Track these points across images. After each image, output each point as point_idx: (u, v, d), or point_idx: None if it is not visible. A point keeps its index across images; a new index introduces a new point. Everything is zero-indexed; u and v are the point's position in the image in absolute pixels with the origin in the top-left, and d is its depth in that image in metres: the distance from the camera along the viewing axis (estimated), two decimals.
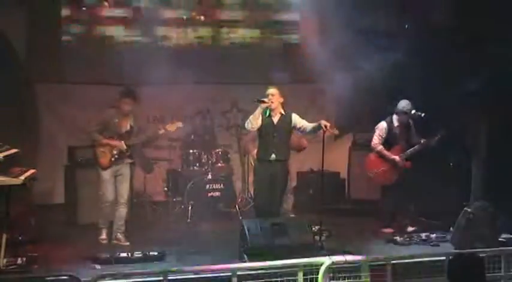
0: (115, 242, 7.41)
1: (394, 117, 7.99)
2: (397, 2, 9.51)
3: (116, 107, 7.43)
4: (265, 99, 7.15)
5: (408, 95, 8.09)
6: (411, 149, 7.93)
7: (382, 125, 8.00)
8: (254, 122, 7.13)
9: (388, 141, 7.97)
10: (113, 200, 7.41)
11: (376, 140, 7.99)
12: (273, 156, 7.16)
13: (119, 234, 7.48)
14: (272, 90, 7.24)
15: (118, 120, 7.37)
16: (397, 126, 7.97)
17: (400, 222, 8.04)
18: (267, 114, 7.20)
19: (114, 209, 7.46)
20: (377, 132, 8.01)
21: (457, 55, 8.52)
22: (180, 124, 7.59)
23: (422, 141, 7.92)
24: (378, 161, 7.99)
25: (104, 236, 7.47)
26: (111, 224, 7.53)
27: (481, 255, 5.44)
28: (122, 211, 7.51)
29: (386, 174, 7.95)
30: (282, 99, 7.26)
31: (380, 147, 7.95)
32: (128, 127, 7.44)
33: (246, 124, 7.25)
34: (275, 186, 7.21)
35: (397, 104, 8.00)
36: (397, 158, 7.90)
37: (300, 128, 7.29)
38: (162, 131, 7.50)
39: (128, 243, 7.36)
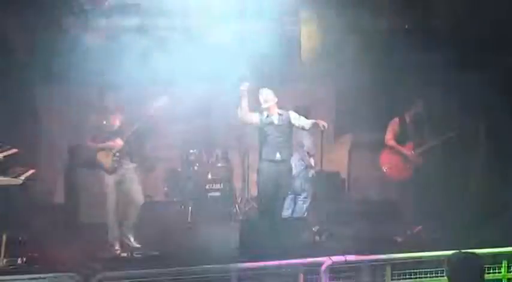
0: (129, 247, 7.23)
1: (407, 114, 7.97)
2: (399, 2, 9.51)
3: (100, 109, 7.29)
4: (261, 101, 7.14)
5: (409, 95, 8.07)
6: (424, 146, 7.88)
7: (395, 120, 8.01)
8: (243, 108, 7.04)
9: (401, 137, 7.94)
10: (117, 207, 7.23)
11: (389, 135, 7.96)
12: (278, 155, 7.15)
13: (129, 236, 7.32)
14: (263, 91, 7.27)
15: (106, 121, 7.23)
16: (410, 122, 7.96)
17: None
18: (266, 115, 7.19)
19: (124, 213, 7.28)
20: (390, 127, 8.01)
21: (458, 55, 8.52)
22: (165, 98, 7.31)
23: (435, 139, 7.87)
24: (391, 156, 7.94)
25: (117, 247, 7.24)
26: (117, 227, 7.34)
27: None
28: (134, 212, 7.32)
29: (400, 170, 7.89)
30: (276, 99, 7.26)
31: (392, 142, 7.92)
32: (119, 123, 7.28)
33: (239, 117, 7.17)
34: (280, 186, 7.20)
35: (412, 102, 7.98)
36: (409, 152, 7.84)
37: (298, 125, 7.30)
38: (151, 111, 7.23)
39: (139, 246, 7.16)
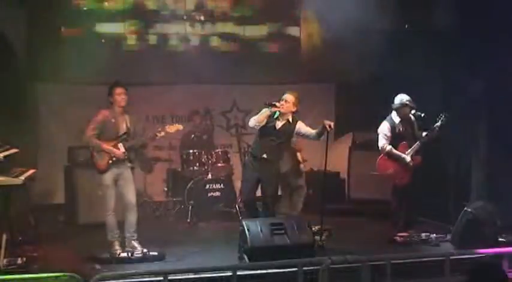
0: (130, 249, 7.02)
1: (394, 113, 7.84)
2: (398, 2, 9.51)
3: (111, 105, 7.12)
4: (277, 104, 7.09)
5: (409, 94, 8.03)
6: (417, 144, 7.77)
7: (384, 124, 7.84)
8: (258, 121, 7.07)
9: (394, 140, 7.82)
10: (116, 207, 7.09)
11: (382, 141, 7.77)
12: (265, 155, 7.16)
13: (133, 241, 7.13)
14: (287, 96, 7.17)
15: (114, 120, 7.09)
16: (399, 122, 7.84)
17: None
18: (275, 116, 7.15)
19: (123, 215, 7.12)
20: (381, 134, 7.81)
21: (457, 54, 8.53)
22: (180, 127, 7.32)
23: (425, 133, 7.75)
24: (388, 162, 7.77)
25: (117, 246, 7.08)
26: (121, 230, 7.20)
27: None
28: (133, 216, 7.14)
29: (400, 174, 7.77)
30: (294, 109, 7.18)
31: (389, 148, 7.72)
32: (125, 128, 7.14)
33: (249, 121, 7.19)
34: (264, 185, 7.19)
35: (394, 100, 7.88)
36: (407, 157, 7.70)
37: (303, 134, 7.27)
38: (162, 133, 7.22)
39: (145, 250, 6.95)
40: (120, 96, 7.07)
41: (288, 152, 8.17)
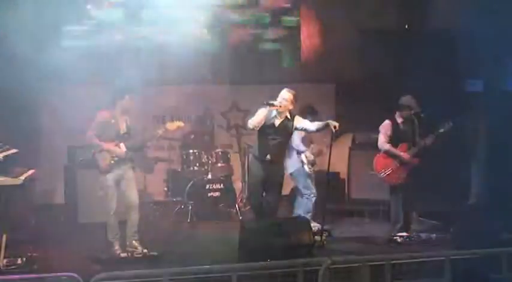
0: (130, 249, 7.07)
1: (397, 114, 7.85)
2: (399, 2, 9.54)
3: (112, 105, 7.12)
4: (274, 103, 7.09)
5: (408, 94, 8.03)
6: (417, 146, 7.76)
7: (387, 123, 7.83)
8: (257, 122, 7.07)
9: (394, 139, 7.82)
10: (117, 207, 7.10)
11: (382, 139, 7.78)
12: (268, 157, 7.14)
13: (134, 241, 7.14)
14: (285, 94, 7.16)
15: (114, 121, 7.10)
16: (401, 122, 7.83)
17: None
18: (273, 114, 7.15)
19: (125, 215, 7.15)
20: (382, 131, 7.83)
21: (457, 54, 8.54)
22: (181, 124, 7.32)
23: (429, 136, 7.75)
24: (387, 161, 7.79)
25: (117, 247, 7.10)
26: (122, 230, 7.21)
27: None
28: (135, 216, 7.16)
29: (397, 173, 7.78)
30: (291, 107, 7.18)
31: (388, 146, 7.74)
32: (125, 128, 7.15)
33: (248, 123, 7.19)
34: (268, 186, 7.19)
35: (398, 100, 7.88)
36: (406, 155, 7.72)
37: (302, 128, 7.26)
38: (162, 130, 7.24)
39: (145, 250, 7.00)
40: (131, 103, 7.12)
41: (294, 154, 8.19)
